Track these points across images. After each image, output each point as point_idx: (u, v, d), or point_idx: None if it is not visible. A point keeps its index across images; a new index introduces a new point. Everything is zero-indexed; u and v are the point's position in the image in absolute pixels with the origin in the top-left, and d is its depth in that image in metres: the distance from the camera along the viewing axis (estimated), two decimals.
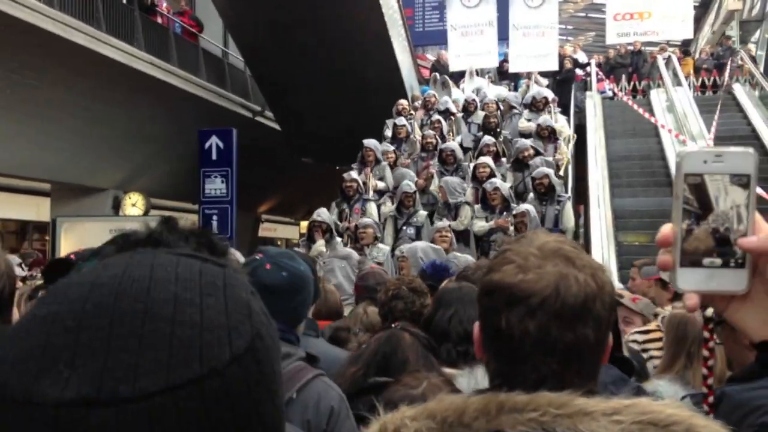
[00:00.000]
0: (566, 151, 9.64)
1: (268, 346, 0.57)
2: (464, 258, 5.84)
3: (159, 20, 14.10)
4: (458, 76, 14.70)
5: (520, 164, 8.87)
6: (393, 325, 2.43)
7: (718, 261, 0.64)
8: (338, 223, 7.80)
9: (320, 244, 6.75)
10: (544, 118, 10.18)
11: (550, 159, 9.11)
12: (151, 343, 0.50)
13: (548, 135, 9.78)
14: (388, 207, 8.30)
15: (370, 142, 9.45)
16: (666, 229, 0.67)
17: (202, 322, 0.53)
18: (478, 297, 1.05)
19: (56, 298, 0.54)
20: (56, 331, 0.51)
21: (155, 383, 0.49)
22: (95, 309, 0.52)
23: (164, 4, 14.35)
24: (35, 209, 15.34)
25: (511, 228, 7.25)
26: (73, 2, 11.08)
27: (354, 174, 8.50)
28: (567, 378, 0.96)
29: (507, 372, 0.99)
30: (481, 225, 7.61)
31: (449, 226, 7.14)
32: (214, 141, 9.32)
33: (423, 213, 7.92)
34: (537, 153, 9.09)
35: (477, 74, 14.90)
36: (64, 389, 0.49)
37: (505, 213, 7.55)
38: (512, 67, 15.16)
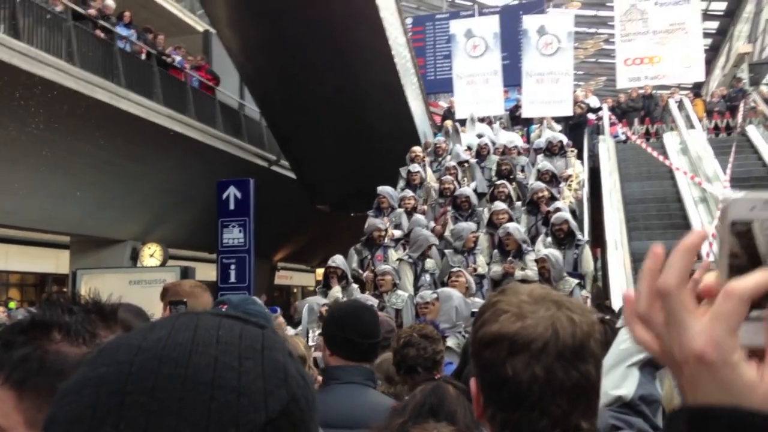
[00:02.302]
0: (569, 195, 9.62)
1: (303, 409, 0.58)
2: (478, 303, 5.78)
3: (177, 75, 14.43)
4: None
5: (534, 206, 8.86)
6: (437, 377, 2.41)
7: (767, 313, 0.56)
8: (360, 270, 7.79)
9: (336, 291, 6.75)
10: (543, 164, 10.18)
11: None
12: (191, 407, 0.53)
13: (549, 179, 9.79)
14: (399, 253, 8.32)
15: (384, 189, 9.51)
16: (710, 281, 0.59)
17: (240, 387, 0.55)
18: (475, 351, 1.06)
19: (105, 360, 0.57)
20: (104, 394, 0.54)
21: None
22: (140, 373, 0.55)
23: (178, 58, 14.69)
24: (54, 262, 15.50)
25: (530, 273, 7.21)
26: (93, 60, 11.40)
27: (380, 223, 8.51)
28: (573, 420, 0.99)
29: (516, 419, 1.00)
30: (495, 270, 7.59)
31: (462, 270, 7.08)
32: (232, 191, 9.41)
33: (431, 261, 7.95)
34: (552, 197, 9.08)
35: (491, 121, 15.05)
36: None
37: (510, 258, 7.52)
38: (525, 113, 15.28)
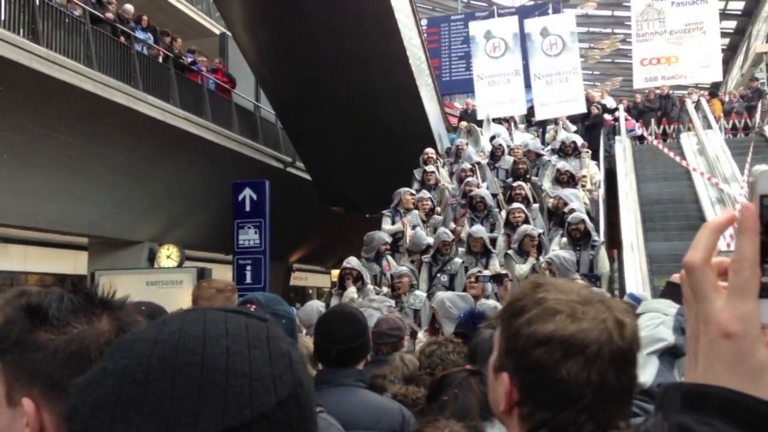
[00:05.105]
0: (583, 196, 9.60)
1: (307, 392, 0.64)
2: (487, 305, 5.77)
3: (193, 78, 14.54)
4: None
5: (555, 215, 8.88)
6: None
7: None
8: (378, 287, 7.68)
9: (352, 291, 6.76)
10: (562, 164, 10.19)
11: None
12: (209, 391, 0.58)
13: (567, 180, 9.76)
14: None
15: (407, 190, 9.58)
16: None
17: (251, 372, 0.60)
18: (521, 349, 1.03)
19: (124, 353, 0.62)
20: (127, 383, 0.59)
21: (213, 427, 0.56)
22: (159, 362, 0.59)
23: (190, 58, 14.80)
24: (72, 263, 15.65)
25: (547, 273, 7.19)
26: (111, 63, 11.52)
27: (387, 236, 8.47)
28: (614, 422, 1.00)
29: (560, 421, 0.99)
30: (524, 269, 7.54)
31: (479, 271, 7.06)
32: (247, 193, 9.49)
33: (458, 261, 7.88)
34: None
35: (515, 122, 15.07)
36: None
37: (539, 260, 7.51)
38: (538, 115, 15.27)
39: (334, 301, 6.86)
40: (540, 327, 1.02)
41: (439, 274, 7.72)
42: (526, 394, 1.02)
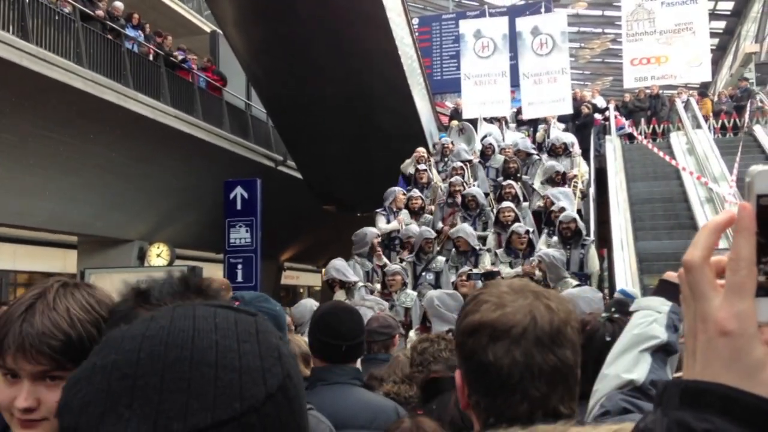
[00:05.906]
0: (571, 193, 9.68)
1: (296, 385, 0.64)
2: None
3: (184, 76, 14.49)
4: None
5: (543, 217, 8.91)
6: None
7: None
8: (370, 283, 7.61)
9: (340, 295, 6.73)
10: (555, 164, 10.26)
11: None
12: (198, 385, 0.58)
13: (560, 180, 9.83)
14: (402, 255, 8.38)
15: (400, 190, 9.67)
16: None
17: (241, 366, 0.60)
18: (459, 342, 1.11)
19: (112, 349, 0.62)
20: (115, 378, 0.59)
21: (203, 420, 0.57)
22: (148, 358, 0.60)
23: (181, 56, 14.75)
24: (62, 261, 15.57)
25: (538, 273, 7.22)
26: (102, 61, 11.46)
27: (376, 231, 8.49)
28: (552, 404, 1.04)
29: (498, 404, 1.05)
30: (507, 271, 7.57)
31: (471, 270, 7.07)
32: (239, 191, 9.47)
33: (441, 259, 7.90)
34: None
35: (506, 121, 15.12)
36: (126, 428, 0.57)
37: (531, 259, 7.52)
38: (525, 115, 15.33)
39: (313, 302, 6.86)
40: (471, 317, 1.09)
41: (424, 273, 7.72)
42: (470, 384, 1.09)
